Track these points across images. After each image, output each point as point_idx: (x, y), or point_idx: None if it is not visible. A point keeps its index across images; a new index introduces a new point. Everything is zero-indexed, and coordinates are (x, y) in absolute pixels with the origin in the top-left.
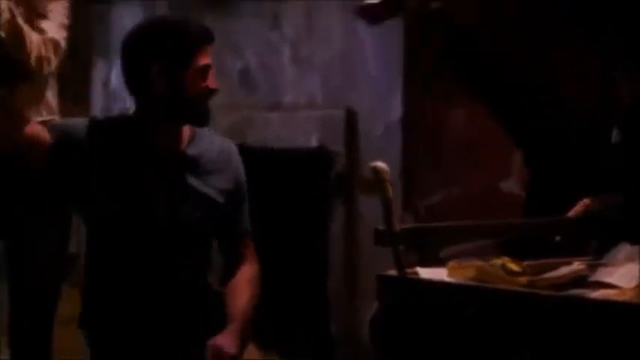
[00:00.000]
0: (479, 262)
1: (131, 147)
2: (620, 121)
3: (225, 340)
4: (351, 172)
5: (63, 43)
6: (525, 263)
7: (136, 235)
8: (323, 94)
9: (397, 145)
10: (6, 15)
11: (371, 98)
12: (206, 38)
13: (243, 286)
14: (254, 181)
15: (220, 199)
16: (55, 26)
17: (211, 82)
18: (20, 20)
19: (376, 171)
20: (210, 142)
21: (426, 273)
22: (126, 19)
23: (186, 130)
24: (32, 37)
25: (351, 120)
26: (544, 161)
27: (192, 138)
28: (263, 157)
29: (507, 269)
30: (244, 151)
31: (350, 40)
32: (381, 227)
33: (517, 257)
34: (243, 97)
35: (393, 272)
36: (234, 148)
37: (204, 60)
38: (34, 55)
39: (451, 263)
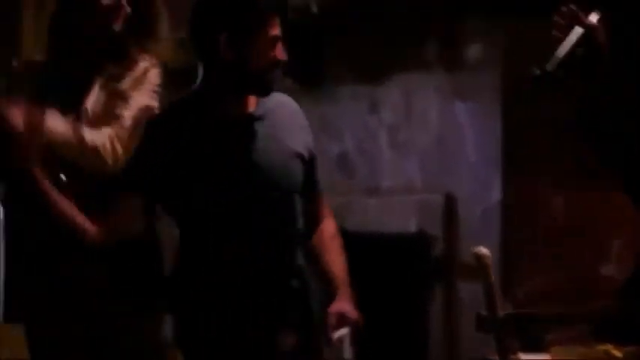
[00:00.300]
0: (582, 348)
1: (206, 124)
2: None
3: (344, 305)
4: (450, 257)
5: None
6: (627, 349)
7: (240, 214)
8: (421, 178)
9: (496, 230)
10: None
11: (469, 182)
12: (275, 9)
13: (332, 242)
14: (352, 265)
15: (306, 155)
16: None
17: (279, 52)
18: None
19: (478, 257)
20: (277, 103)
21: (529, 359)
22: None
23: (252, 98)
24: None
25: (449, 204)
26: None
27: (258, 103)
28: (361, 242)
29: (610, 355)
30: (343, 235)
31: (448, 123)
32: (483, 313)
33: (619, 342)
34: (342, 181)
35: (495, 358)
36: (295, 105)
37: (273, 31)
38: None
39: (554, 349)
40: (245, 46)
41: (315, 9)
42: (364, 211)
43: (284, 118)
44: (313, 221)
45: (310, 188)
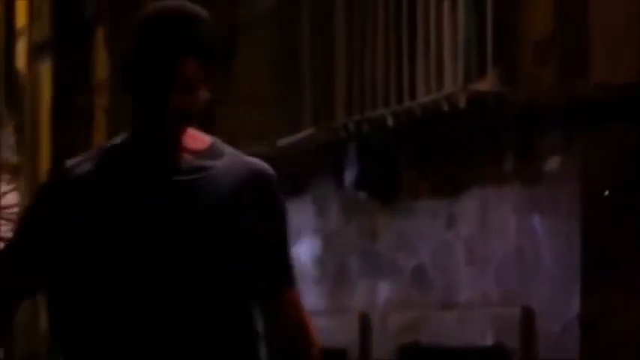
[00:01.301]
0: None
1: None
2: None
3: None
4: None
5: None
6: None
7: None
8: (498, 291)
9: (576, 344)
10: None
11: (548, 295)
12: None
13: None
14: None
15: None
16: None
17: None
18: None
19: None
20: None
21: None
22: (299, 221)
23: (192, 144)
24: None
25: (527, 317)
26: None
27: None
28: (438, 356)
29: None
30: (419, 349)
31: (525, 235)
32: None
33: None
34: (418, 295)
35: None
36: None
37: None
38: None
39: None
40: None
41: (391, 122)
42: (440, 325)
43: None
44: (274, 330)
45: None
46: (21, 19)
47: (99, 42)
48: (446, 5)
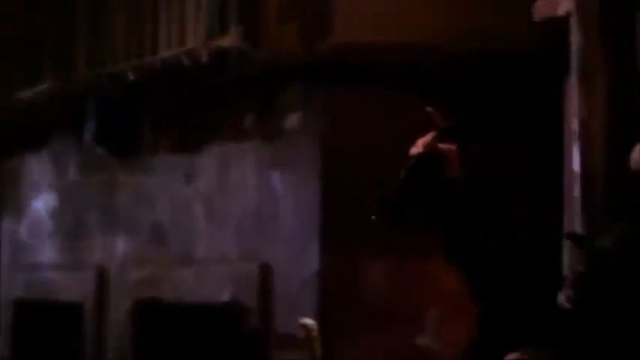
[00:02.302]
0: None
1: None
2: (570, 283)
3: None
4: (265, 328)
5: None
6: None
7: None
8: (237, 248)
9: (313, 301)
10: None
11: (286, 252)
12: None
13: None
14: (166, 336)
15: None
16: None
17: None
18: None
19: (305, 328)
20: None
21: None
22: (35, 175)
23: None
24: None
25: (265, 275)
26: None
27: None
28: (175, 312)
29: None
30: (155, 305)
31: (265, 192)
32: None
33: None
34: (156, 251)
35: None
36: None
37: None
38: None
39: None
40: None
41: (131, 77)
42: (178, 281)
43: None
44: None
45: None
46: None
47: None
48: None
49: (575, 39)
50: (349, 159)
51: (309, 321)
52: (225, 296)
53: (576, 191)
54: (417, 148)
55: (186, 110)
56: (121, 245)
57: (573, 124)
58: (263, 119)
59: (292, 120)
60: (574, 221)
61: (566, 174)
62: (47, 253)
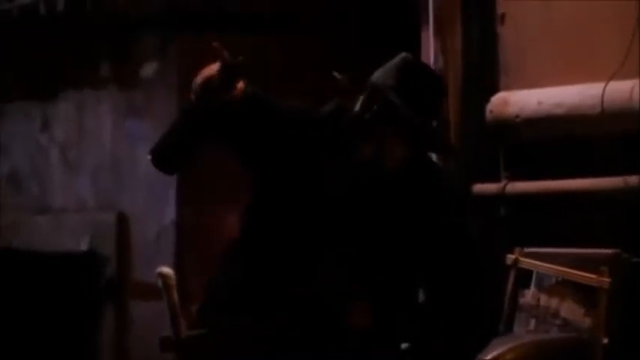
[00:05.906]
0: None
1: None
2: None
3: None
4: (122, 277)
5: None
6: None
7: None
8: (94, 197)
9: (170, 250)
10: None
11: (143, 201)
12: None
13: None
14: (18, 285)
15: None
16: None
17: None
18: None
19: (162, 277)
20: None
21: None
22: None
23: None
24: None
25: (122, 223)
26: None
27: None
28: (30, 261)
29: None
30: (9, 254)
31: (121, 141)
32: (166, 334)
33: None
34: (12, 199)
35: None
36: None
37: None
38: None
39: None
40: None
41: None
42: (34, 230)
43: None
44: None
45: None
46: None
47: None
48: None
49: None
50: None
51: (166, 270)
52: (82, 245)
53: None
54: (200, 77)
55: (42, 58)
56: None
57: None
58: (119, 67)
59: (148, 68)
60: None
61: None
62: None
